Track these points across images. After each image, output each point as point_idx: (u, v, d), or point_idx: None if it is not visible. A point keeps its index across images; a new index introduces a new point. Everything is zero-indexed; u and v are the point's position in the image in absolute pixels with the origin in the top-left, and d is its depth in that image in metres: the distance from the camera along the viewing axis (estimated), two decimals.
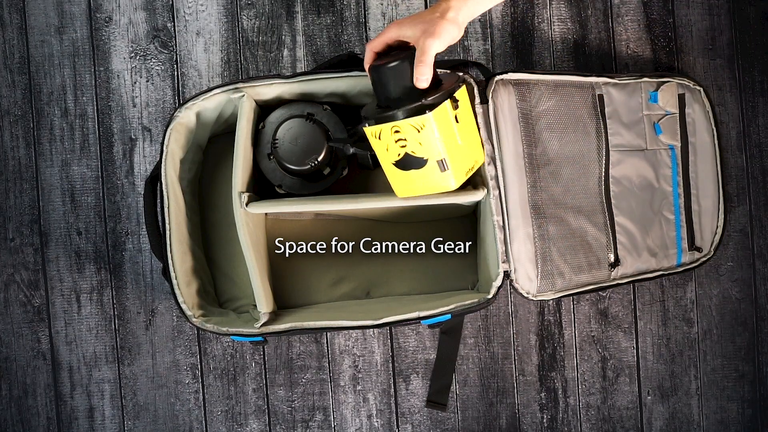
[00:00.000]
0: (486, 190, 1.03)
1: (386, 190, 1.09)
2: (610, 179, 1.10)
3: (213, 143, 1.17)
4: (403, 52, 0.89)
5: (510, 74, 1.04)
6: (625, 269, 1.10)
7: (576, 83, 1.08)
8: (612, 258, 1.09)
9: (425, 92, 0.89)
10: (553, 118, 1.07)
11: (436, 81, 0.91)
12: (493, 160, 1.03)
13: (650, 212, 1.12)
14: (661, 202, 1.13)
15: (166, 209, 1.03)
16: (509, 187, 1.02)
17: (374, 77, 0.91)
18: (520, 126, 1.04)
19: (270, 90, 1.05)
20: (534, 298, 1.05)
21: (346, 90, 1.07)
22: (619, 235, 1.10)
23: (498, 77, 1.04)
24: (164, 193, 1.03)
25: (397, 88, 0.90)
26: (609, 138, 1.10)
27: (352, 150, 1.04)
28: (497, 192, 1.02)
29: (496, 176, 1.02)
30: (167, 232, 1.03)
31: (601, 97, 1.10)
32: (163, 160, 1.03)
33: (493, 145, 1.03)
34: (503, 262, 1.02)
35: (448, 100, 0.89)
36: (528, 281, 1.04)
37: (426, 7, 1.28)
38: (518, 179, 1.03)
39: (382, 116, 0.90)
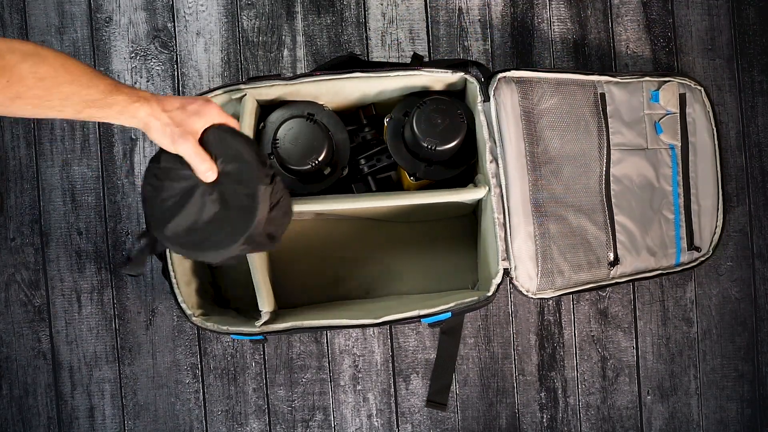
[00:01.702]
0: (487, 187, 1.03)
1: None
2: (611, 178, 1.10)
3: None
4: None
5: (513, 72, 1.04)
6: (624, 268, 1.10)
7: (578, 81, 1.09)
8: (611, 257, 1.09)
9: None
10: (554, 116, 1.07)
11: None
12: (495, 157, 1.03)
13: (650, 211, 1.13)
14: (660, 202, 1.13)
15: None
16: (511, 185, 1.02)
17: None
18: (522, 124, 1.04)
19: (271, 91, 1.05)
20: (534, 297, 1.05)
21: (347, 92, 1.07)
22: (619, 234, 1.10)
23: (501, 75, 1.04)
24: None
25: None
26: (610, 137, 1.10)
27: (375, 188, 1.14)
28: (498, 190, 1.02)
29: (498, 174, 1.03)
30: None
31: (602, 95, 1.10)
32: None
33: (495, 143, 1.03)
34: (503, 260, 1.02)
35: None
36: (528, 279, 1.04)
37: (426, 8, 1.29)
38: (520, 177, 1.03)
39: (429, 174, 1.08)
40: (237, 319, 1.08)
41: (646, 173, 1.13)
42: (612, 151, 1.10)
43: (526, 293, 1.04)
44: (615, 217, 1.10)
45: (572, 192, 1.07)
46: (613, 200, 1.10)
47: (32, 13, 1.27)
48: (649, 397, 1.30)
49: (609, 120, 1.10)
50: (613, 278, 1.10)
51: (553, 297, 1.07)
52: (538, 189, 1.05)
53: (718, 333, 1.30)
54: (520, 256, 1.03)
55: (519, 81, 1.05)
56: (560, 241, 1.05)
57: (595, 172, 1.09)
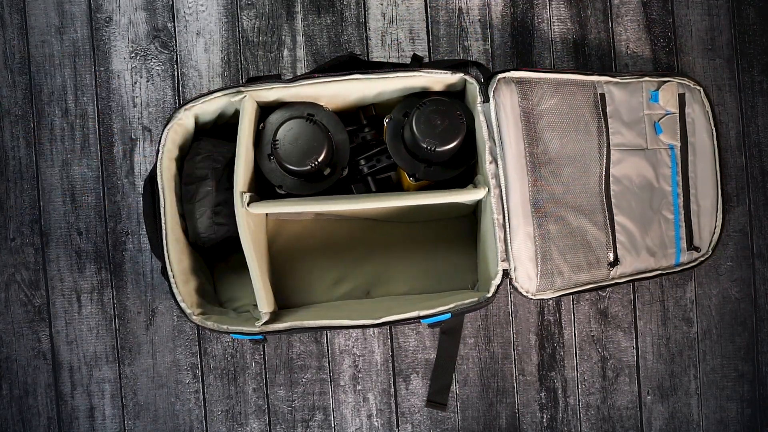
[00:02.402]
0: (487, 188, 1.03)
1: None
2: (611, 178, 1.10)
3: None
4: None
5: (513, 72, 1.04)
6: (624, 268, 1.10)
7: (578, 82, 1.09)
8: (611, 257, 1.10)
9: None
10: (554, 116, 1.07)
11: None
12: (494, 158, 1.03)
13: (650, 212, 1.13)
14: (660, 202, 1.13)
15: (161, 209, 1.03)
16: (510, 185, 1.03)
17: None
18: (521, 125, 1.04)
19: (270, 93, 1.05)
20: (533, 297, 1.05)
21: (347, 93, 1.07)
22: (619, 234, 1.10)
23: (501, 75, 1.04)
24: (160, 193, 1.03)
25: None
26: (610, 137, 1.10)
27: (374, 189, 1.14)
28: (498, 191, 1.02)
29: (497, 175, 1.03)
30: (163, 231, 1.03)
31: (602, 96, 1.10)
32: (158, 160, 1.03)
33: (494, 144, 1.03)
34: (503, 261, 1.02)
35: None
36: (528, 280, 1.04)
37: (426, 8, 1.29)
38: (519, 178, 1.03)
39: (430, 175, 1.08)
40: (237, 319, 1.08)
41: (645, 173, 1.13)
42: (612, 152, 1.10)
43: (525, 294, 1.04)
44: (615, 218, 1.10)
45: (572, 192, 1.07)
46: (612, 200, 1.10)
47: (32, 13, 1.27)
48: (649, 397, 1.30)
49: (609, 120, 1.10)
50: (612, 279, 1.10)
51: (552, 298, 1.07)
52: (537, 190, 1.05)
53: (718, 333, 1.30)
54: (519, 257, 1.03)
55: (519, 81, 1.05)
56: (560, 241, 1.05)
57: (594, 173, 1.09)
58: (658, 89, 1.13)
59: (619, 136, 1.11)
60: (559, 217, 1.06)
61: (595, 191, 1.09)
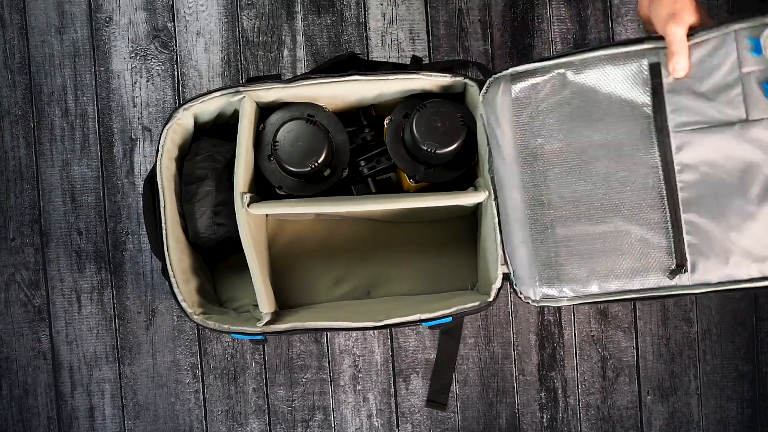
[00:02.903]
0: (488, 192, 1.02)
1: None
2: (676, 167, 0.87)
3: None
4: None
5: (519, 67, 0.96)
6: (700, 276, 0.88)
7: (618, 56, 0.89)
8: (674, 262, 0.89)
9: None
10: (566, 110, 0.94)
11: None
12: (495, 160, 1.01)
13: (747, 204, 0.85)
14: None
15: (161, 208, 1.03)
16: (511, 188, 1.00)
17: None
18: (522, 126, 1.00)
19: (269, 94, 1.05)
20: (536, 304, 0.97)
21: (346, 94, 1.07)
22: (688, 235, 0.87)
23: (501, 74, 0.98)
24: (160, 192, 1.03)
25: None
26: (669, 116, 0.86)
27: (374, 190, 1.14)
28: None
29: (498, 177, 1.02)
30: (163, 231, 1.03)
31: (656, 66, 0.87)
32: (158, 160, 1.03)
33: (495, 145, 1.01)
34: (503, 265, 1.01)
35: None
36: (528, 286, 0.99)
37: (426, 8, 1.28)
38: (520, 180, 1.01)
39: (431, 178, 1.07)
40: (238, 319, 1.08)
41: (740, 154, 0.84)
42: (673, 134, 0.87)
43: (525, 301, 0.97)
44: (682, 215, 0.87)
45: (602, 191, 0.93)
46: (680, 194, 0.87)
47: (32, 13, 1.27)
48: (649, 397, 1.30)
49: (666, 96, 0.87)
50: (678, 287, 0.90)
51: (564, 306, 0.97)
52: (540, 192, 0.99)
53: (718, 333, 1.30)
54: (521, 262, 0.99)
55: (522, 78, 0.98)
56: (572, 246, 0.96)
57: (642, 164, 0.89)
58: (759, 36, 0.81)
59: (688, 113, 0.86)
60: (571, 221, 0.96)
61: (645, 186, 0.89)
